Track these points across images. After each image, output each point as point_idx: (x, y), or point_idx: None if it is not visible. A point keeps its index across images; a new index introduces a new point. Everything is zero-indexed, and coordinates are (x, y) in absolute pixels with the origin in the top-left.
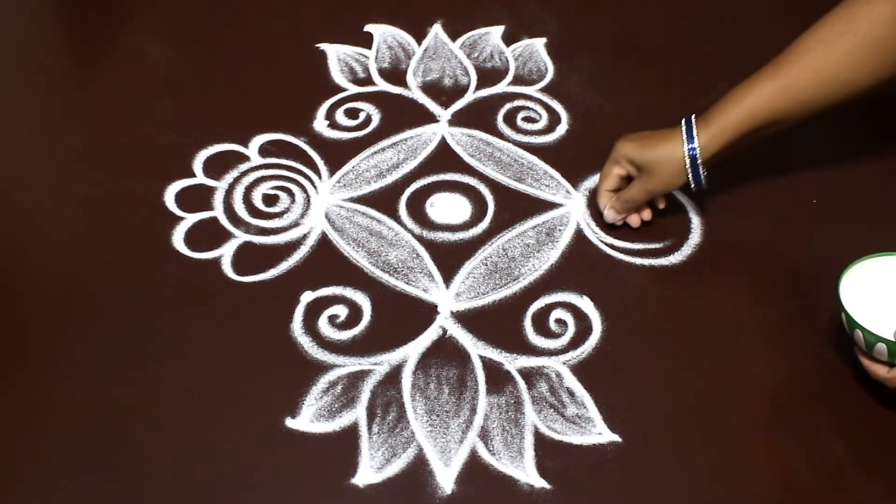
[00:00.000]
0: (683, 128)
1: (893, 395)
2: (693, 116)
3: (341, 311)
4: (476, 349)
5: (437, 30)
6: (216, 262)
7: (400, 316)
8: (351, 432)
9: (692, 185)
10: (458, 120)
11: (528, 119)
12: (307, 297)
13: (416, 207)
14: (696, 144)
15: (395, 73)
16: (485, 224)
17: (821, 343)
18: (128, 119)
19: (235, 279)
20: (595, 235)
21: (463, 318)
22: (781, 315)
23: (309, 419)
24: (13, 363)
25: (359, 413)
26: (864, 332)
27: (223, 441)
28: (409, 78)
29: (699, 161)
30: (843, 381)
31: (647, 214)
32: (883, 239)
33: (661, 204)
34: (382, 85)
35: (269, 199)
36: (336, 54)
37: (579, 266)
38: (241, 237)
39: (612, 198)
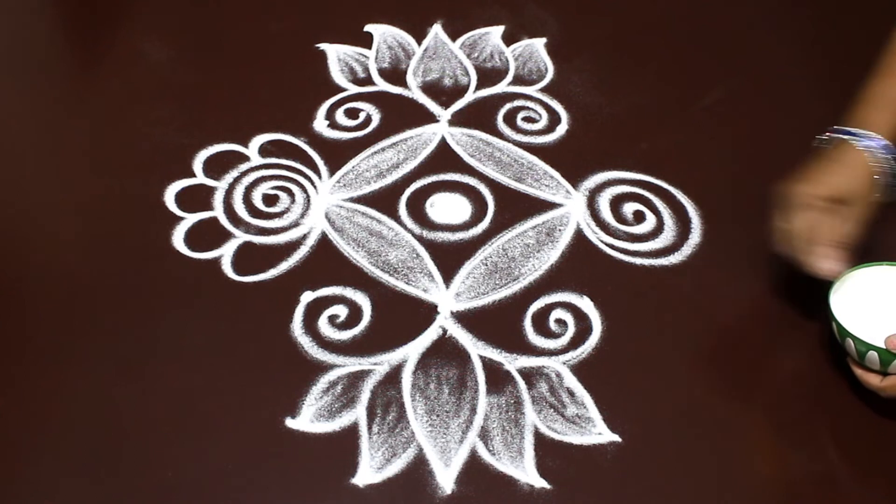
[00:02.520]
0: (861, 146)
1: (887, 402)
2: (842, 129)
3: (341, 311)
4: (476, 349)
5: (437, 30)
6: (216, 262)
7: (400, 316)
8: (351, 432)
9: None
10: (458, 120)
11: (528, 119)
12: (307, 297)
13: (416, 207)
14: (884, 142)
15: (395, 73)
16: (485, 224)
17: (820, 346)
18: (128, 119)
19: (235, 279)
20: (595, 235)
21: (463, 318)
22: (782, 315)
23: (309, 419)
24: (13, 363)
25: (359, 413)
26: (855, 341)
27: (223, 441)
28: (409, 78)
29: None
30: (838, 386)
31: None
32: (872, 249)
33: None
34: (382, 85)
35: (269, 199)
36: (336, 54)
37: (579, 266)
38: (241, 237)
39: (824, 247)
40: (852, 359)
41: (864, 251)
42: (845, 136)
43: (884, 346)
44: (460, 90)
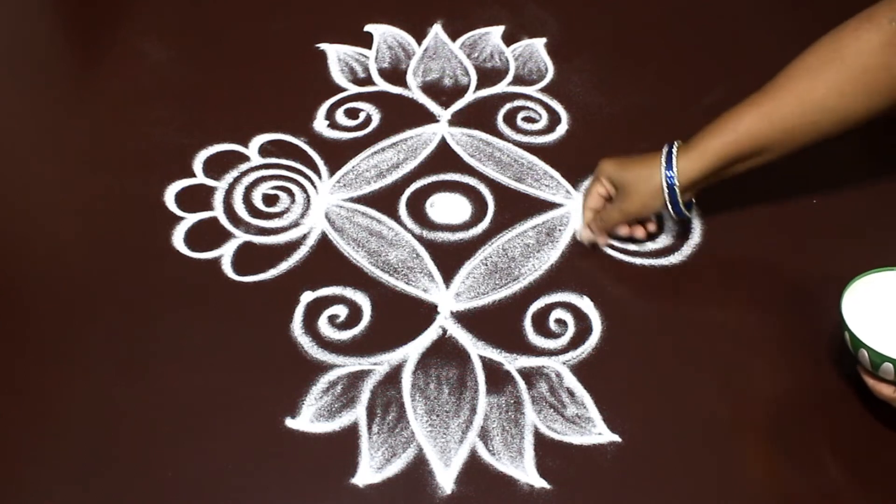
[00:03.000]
0: (664, 152)
1: (892, 413)
2: (676, 142)
3: (341, 311)
4: (476, 349)
5: (437, 30)
6: (216, 262)
7: (400, 316)
8: (351, 432)
9: (671, 212)
10: (458, 120)
11: (528, 119)
12: (307, 297)
13: (416, 207)
14: (673, 171)
15: (395, 73)
16: (485, 224)
17: (820, 346)
18: (128, 119)
19: (235, 279)
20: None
21: (463, 318)
22: (781, 316)
23: (309, 419)
24: (13, 363)
25: (359, 413)
26: (869, 352)
27: (223, 441)
28: (409, 78)
29: (676, 186)
30: (840, 393)
31: (639, 232)
32: (882, 253)
33: (651, 227)
34: (382, 85)
35: (269, 199)
36: (336, 54)
37: (579, 266)
38: (241, 237)
39: (593, 218)
40: (864, 368)
41: (877, 256)
42: (666, 151)
43: None
44: (460, 90)
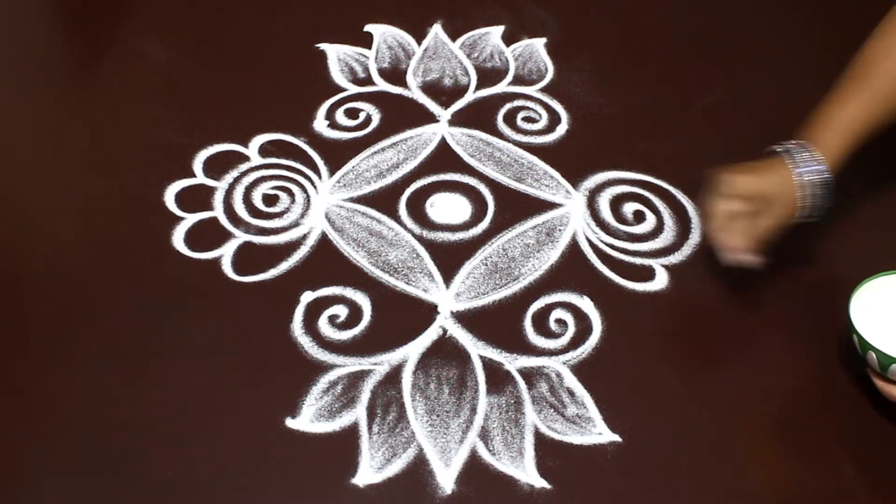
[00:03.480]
0: (796, 155)
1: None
2: (790, 144)
3: (341, 311)
4: (476, 349)
5: (437, 30)
6: (216, 262)
7: (400, 316)
8: (351, 432)
9: (818, 212)
10: (458, 120)
11: (528, 119)
12: (307, 297)
13: (416, 207)
14: (824, 167)
15: (395, 73)
16: (485, 224)
17: (825, 346)
18: (128, 119)
19: (235, 279)
20: (595, 235)
21: (463, 318)
22: (784, 316)
23: (309, 419)
24: (13, 363)
25: (359, 413)
26: (877, 354)
27: (223, 441)
28: (409, 78)
29: (830, 182)
30: (848, 394)
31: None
32: (889, 257)
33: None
34: (382, 85)
35: (269, 199)
36: (336, 54)
37: (579, 266)
38: (241, 237)
39: (734, 238)
40: (873, 370)
41: (884, 258)
42: (788, 150)
43: None
44: (460, 90)
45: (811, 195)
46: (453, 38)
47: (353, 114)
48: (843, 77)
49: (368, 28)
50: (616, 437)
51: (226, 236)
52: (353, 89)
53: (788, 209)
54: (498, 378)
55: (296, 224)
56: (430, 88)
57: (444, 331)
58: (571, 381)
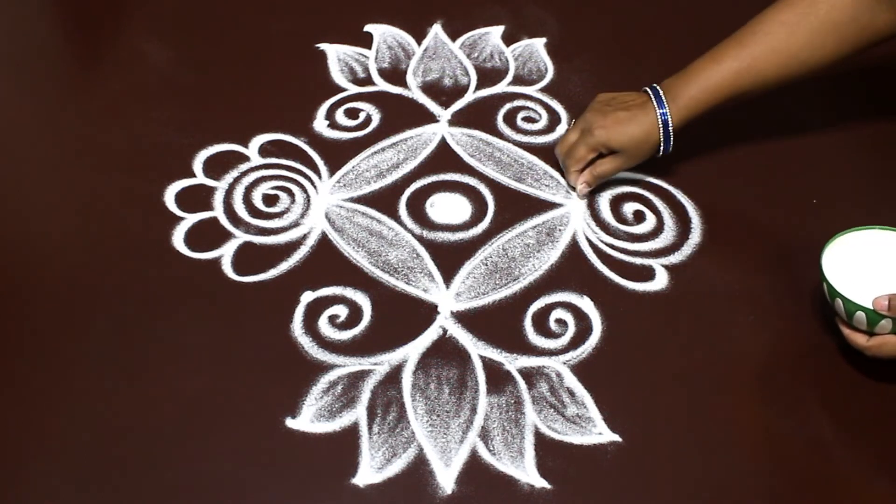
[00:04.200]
0: (654, 100)
1: (876, 367)
2: (656, 87)
3: (341, 311)
4: (476, 349)
5: (437, 30)
6: (216, 262)
7: (400, 316)
8: (351, 432)
9: (660, 153)
10: (458, 120)
11: (528, 119)
12: (307, 297)
13: (416, 207)
14: (668, 114)
15: (395, 73)
16: (485, 224)
17: (822, 343)
18: (128, 119)
19: (235, 279)
20: (595, 235)
21: (463, 318)
22: (782, 315)
23: (309, 419)
24: (13, 363)
25: (359, 413)
26: (844, 301)
27: (223, 441)
28: (409, 78)
29: (671, 130)
30: (837, 376)
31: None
32: (864, 213)
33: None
34: (382, 85)
35: (269, 199)
36: (336, 54)
37: (579, 266)
38: (241, 237)
39: (582, 174)
40: (841, 319)
41: (856, 215)
42: (655, 98)
43: (871, 307)
44: (460, 90)
45: (661, 142)
46: (453, 38)
47: (353, 114)
48: (727, 39)
49: (368, 28)
50: (616, 437)
51: (226, 236)
52: (353, 89)
53: (638, 158)
54: (498, 378)
55: (296, 224)
56: (430, 88)
57: (444, 331)
58: (571, 381)
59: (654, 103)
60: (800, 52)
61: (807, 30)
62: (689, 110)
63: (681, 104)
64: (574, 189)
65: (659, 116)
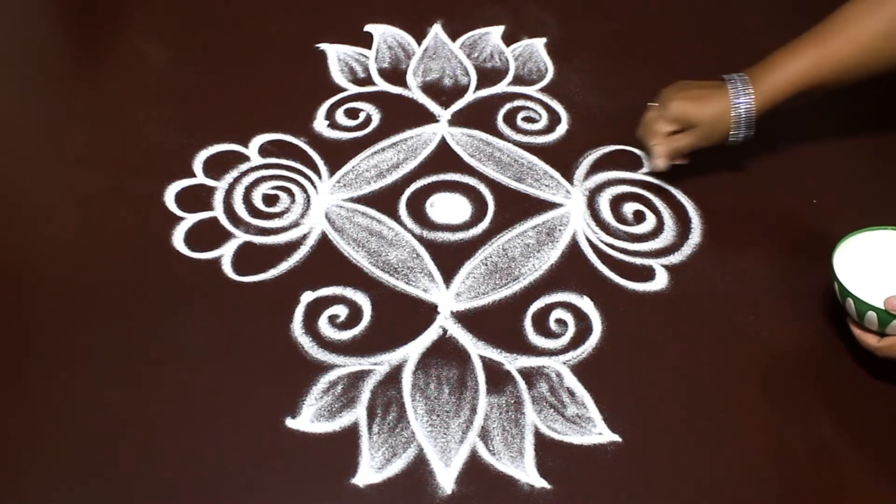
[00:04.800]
0: (735, 87)
1: (886, 369)
2: (739, 76)
3: (341, 311)
4: (476, 349)
5: (437, 30)
6: (216, 262)
7: (400, 316)
8: (351, 432)
9: (740, 139)
10: (458, 120)
11: (528, 119)
12: (307, 297)
13: (416, 207)
14: (752, 104)
15: (395, 73)
16: (485, 224)
17: (822, 342)
18: (128, 119)
19: (235, 279)
20: (595, 235)
21: (463, 318)
22: (782, 314)
23: (309, 419)
24: (13, 363)
25: (359, 413)
26: (855, 301)
27: (223, 441)
28: (409, 78)
29: (753, 115)
30: (839, 374)
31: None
32: (875, 213)
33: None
34: (382, 85)
35: (269, 199)
36: (336, 54)
37: (579, 266)
38: (241, 237)
39: (662, 148)
40: (852, 319)
41: (855, 216)
42: (739, 84)
43: (882, 307)
44: (460, 90)
45: (735, 126)
46: (453, 38)
47: (353, 114)
48: (808, 31)
49: (368, 28)
50: (616, 437)
51: (226, 236)
52: (353, 89)
53: (714, 136)
54: (498, 378)
55: (296, 224)
56: (430, 88)
57: (444, 331)
58: (571, 381)
59: (736, 94)
60: (876, 42)
61: (885, 18)
62: (772, 98)
63: (764, 91)
64: (658, 165)
65: (741, 110)
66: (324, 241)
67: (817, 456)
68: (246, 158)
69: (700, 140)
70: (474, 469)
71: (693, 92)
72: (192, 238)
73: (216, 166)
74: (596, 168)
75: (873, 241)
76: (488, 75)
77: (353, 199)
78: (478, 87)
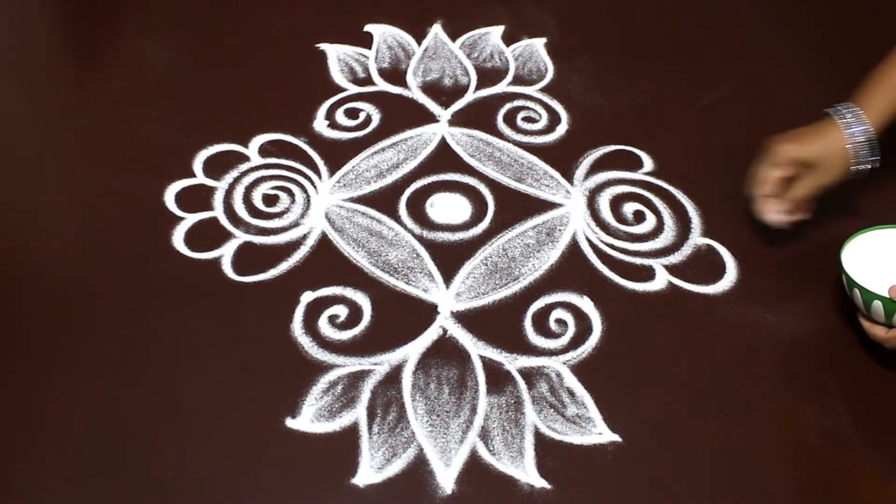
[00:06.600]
0: (841, 115)
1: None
2: (842, 105)
3: (341, 311)
4: (476, 349)
5: (437, 30)
6: (216, 262)
7: (400, 316)
8: (351, 432)
9: (867, 166)
10: (458, 120)
11: (528, 119)
12: (307, 297)
13: (416, 207)
14: (869, 127)
15: (395, 73)
16: (485, 224)
17: (823, 342)
18: (128, 119)
19: (235, 279)
20: (595, 235)
21: (463, 318)
22: (782, 314)
23: (309, 419)
24: (13, 363)
25: (359, 413)
26: (861, 291)
27: (223, 441)
28: (409, 78)
29: (874, 138)
30: (853, 376)
31: (805, 213)
32: (883, 212)
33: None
34: (382, 85)
35: (269, 199)
36: (336, 54)
37: (579, 266)
38: (241, 237)
39: (776, 202)
40: (861, 312)
41: (856, 216)
42: (836, 113)
43: (888, 296)
44: (460, 90)
45: (855, 154)
46: (453, 38)
47: (353, 114)
48: None
49: (368, 28)
50: (616, 437)
51: (226, 236)
52: (353, 89)
53: (834, 170)
54: (498, 378)
55: (296, 224)
56: (430, 88)
57: (444, 331)
58: (571, 381)
59: (846, 115)
60: None
61: None
62: (886, 117)
63: (878, 111)
64: (775, 220)
65: (860, 135)
66: (324, 241)
67: (817, 455)
68: (246, 158)
69: (821, 179)
70: (474, 469)
71: (799, 131)
72: (192, 238)
73: (216, 166)
74: (596, 168)
75: (882, 238)
76: (488, 75)
77: (353, 199)
78: (478, 87)
